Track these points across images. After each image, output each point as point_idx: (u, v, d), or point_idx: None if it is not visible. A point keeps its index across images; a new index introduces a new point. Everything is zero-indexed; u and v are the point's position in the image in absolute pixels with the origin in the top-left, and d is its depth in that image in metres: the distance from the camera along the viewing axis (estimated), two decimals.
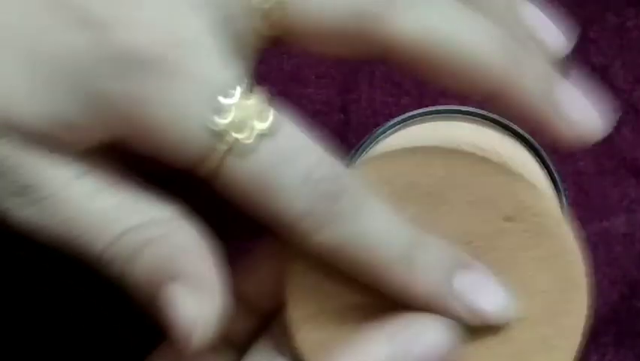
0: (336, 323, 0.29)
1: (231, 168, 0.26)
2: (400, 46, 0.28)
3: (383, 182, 0.28)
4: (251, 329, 0.30)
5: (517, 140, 0.34)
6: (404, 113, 0.35)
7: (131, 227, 0.28)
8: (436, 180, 0.29)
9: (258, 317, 0.30)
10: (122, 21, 0.26)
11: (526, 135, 0.35)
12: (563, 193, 0.34)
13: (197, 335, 0.27)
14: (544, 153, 0.35)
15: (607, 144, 0.41)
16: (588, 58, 0.42)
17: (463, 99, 0.35)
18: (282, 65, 0.42)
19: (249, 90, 0.26)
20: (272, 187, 0.26)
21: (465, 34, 0.28)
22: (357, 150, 0.35)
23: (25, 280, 0.39)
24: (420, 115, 0.35)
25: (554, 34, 0.30)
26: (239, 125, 0.26)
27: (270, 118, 0.26)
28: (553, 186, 0.34)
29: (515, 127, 0.34)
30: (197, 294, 0.27)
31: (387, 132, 0.35)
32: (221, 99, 0.26)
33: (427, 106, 0.36)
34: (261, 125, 0.26)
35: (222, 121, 0.26)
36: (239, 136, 0.26)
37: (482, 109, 0.35)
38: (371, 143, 0.35)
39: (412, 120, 0.35)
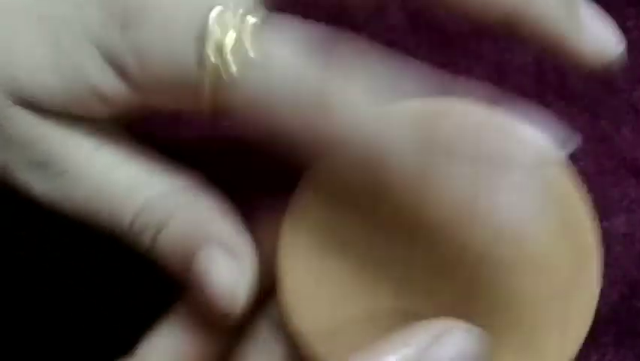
0: (333, 298, 0.28)
1: (226, 96, 0.26)
2: None
3: (393, 130, 0.27)
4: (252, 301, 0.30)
5: None
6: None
7: (154, 196, 0.28)
8: (451, 133, 0.28)
9: (255, 295, 0.30)
10: None
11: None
12: None
13: (240, 299, 0.27)
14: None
15: (607, 144, 0.41)
16: None
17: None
18: None
19: (245, 13, 0.26)
20: (266, 112, 0.26)
21: None
22: None
23: (25, 280, 0.39)
24: None
25: (610, 34, 0.29)
26: (227, 56, 0.26)
27: (259, 42, 0.26)
28: None
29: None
30: (232, 259, 0.27)
31: None
32: (210, 30, 0.26)
33: None
34: (250, 52, 0.26)
35: (209, 51, 0.26)
36: (227, 66, 0.26)
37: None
38: None
39: None
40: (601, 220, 0.40)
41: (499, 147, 0.28)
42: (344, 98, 0.26)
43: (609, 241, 0.40)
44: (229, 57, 0.26)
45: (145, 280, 0.37)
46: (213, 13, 0.26)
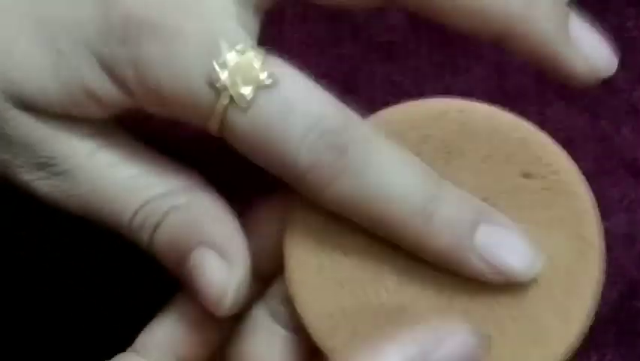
0: (336, 285, 0.28)
1: (234, 121, 0.26)
2: None
3: (395, 135, 0.28)
4: (248, 293, 0.30)
5: None
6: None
7: (155, 195, 0.28)
8: (451, 134, 0.28)
9: (256, 281, 0.30)
10: None
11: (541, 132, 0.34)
12: None
13: (228, 300, 0.27)
14: (561, 149, 0.34)
15: (607, 144, 0.41)
16: None
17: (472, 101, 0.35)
18: None
19: (250, 45, 0.27)
20: (276, 139, 0.26)
21: None
22: None
23: (25, 280, 0.39)
24: None
25: (602, 51, 0.29)
26: (239, 78, 0.26)
27: (271, 69, 0.26)
28: None
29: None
30: (225, 259, 0.27)
31: None
32: (221, 54, 0.26)
33: None
34: (261, 77, 0.26)
35: (222, 75, 0.26)
36: (239, 89, 0.26)
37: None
38: None
39: None
40: (601, 220, 0.40)
41: (501, 146, 0.28)
42: (362, 134, 0.27)
43: (609, 241, 0.40)
44: (241, 79, 0.26)
45: (145, 279, 0.37)
46: (226, 37, 0.26)
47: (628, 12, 0.42)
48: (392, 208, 0.26)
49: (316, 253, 0.28)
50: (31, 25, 0.27)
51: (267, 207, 0.30)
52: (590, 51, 0.28)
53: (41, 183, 0.29)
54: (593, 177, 0.40)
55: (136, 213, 0.29)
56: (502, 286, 0.27)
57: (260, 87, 0.26)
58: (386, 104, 0.42)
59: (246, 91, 0.26)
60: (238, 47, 0.26)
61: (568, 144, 0.41)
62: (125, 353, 0.30)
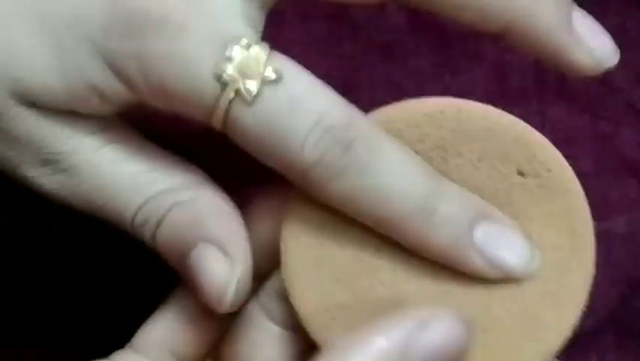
0: (332, 280, 0.29)
1: (239, 116, 0.26)
2: None
3: (393, 133, 0.28)
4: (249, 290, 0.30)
5: None
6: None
7: (158, 191, 0.29)
8: (447, 133, 0.28)
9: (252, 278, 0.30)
10: None
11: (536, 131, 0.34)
12: None
13: (229, 297, 0.27)
14: (554, 148, 0.34)
15: (607, 144, 0.41)
16: None
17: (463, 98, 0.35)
18: None
19: (255, 40, 0.27)
20: (280, 134, 0.26)
21: None
22: None
23: (25, 280, 0.39)
24: None
25: (605, 44, 0.29)
26: (244, 73, 0.26)
27: (276, 65, 0.26)
28: None
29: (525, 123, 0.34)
30: (227, 256, 0.28)
31: None
32: (227, 49, 0.26)
33: None
34: (266, 72, 0.26)
35: (228, 69, 0.26)
36: (244, 83, 0.26)
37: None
38: None
39: None
40: (601, 220, 0.41)
41: (496, 145, 0.28)
42: (369, 134, 0.27)
43: (609, 241, 0.40)
44: (247, 74, 0.26)
45: (143, 279, 0.37)
46: (232, 32, 0.26)
47: (628, 12, 0.42)
48: (394, 205, 0.27)
49: (312, 247, 0.29)
50: (34, 21, 0.27)
51: (261, 205, 0.30)
52: (592, 43, 0.28)
53: (45, 180, 0.29)
54: (593, 177, 0.41)
55: (139, 209, 0.29)
56: (498, 280, 0.28)
57: (265, 82, 0.26)
58: (386, 104, 0.42)
59: (252, 85, 0.26)
60: (243, 42, 0.26)
61: (568, 144, 0.41)
62: (122, 350, 0.30)
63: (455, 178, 0.28)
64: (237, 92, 0.26)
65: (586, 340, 0.39)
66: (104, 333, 0.38)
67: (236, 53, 0.26)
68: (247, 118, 0.26)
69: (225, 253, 0.28)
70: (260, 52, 0.26)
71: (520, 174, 0.28)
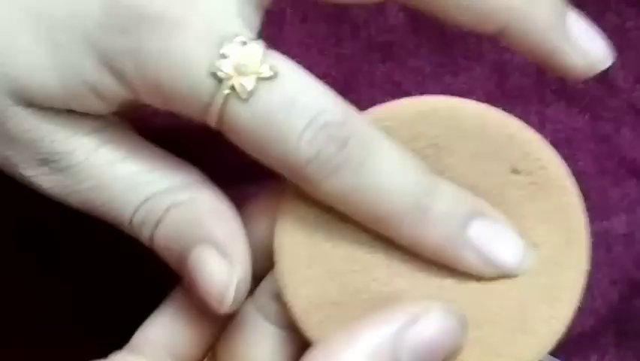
0: (326, 277, 0.29)
1: (234, 112, 0.27)
2: None
3: (386, 131, 0.28)
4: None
5: None
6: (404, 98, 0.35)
7: (156, 192, 0.29)
8: (441, 131, 0.28)
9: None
10: None
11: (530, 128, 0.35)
12: None
13: (229, 298, 0.27)
14: (548, 145, 0.35)
15: (607, 144, 0.41)
16: None
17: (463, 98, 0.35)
18: None
19: (251, 38, 0.27)
20: (276, 132, 0.26)
21: None
22: None
23: (25, 280, 0.39)
24: None
25: (599, 47, 0.29)
26: (240, 70, 0.26)
27: (271, 62, 0.26)
28: None
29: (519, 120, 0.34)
30: (226, 257, 0.28)
31: None
32: (222, 46, 0.26)
33: None
34: (262, 69, 0.26)
35: (223, 66, 0.26)
36: (240, 80, 0.26)
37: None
38: None
39: None
40: (601, 220, 0.41)
41: (490, 143, 0.28)
42: (366, 133, 0.27)
43: (609, 241, 0.40)
44: (243, 71, 0.26)
45: (143, 280, 0.37)
46: (227, 30, 0.26)
47: (628, 12, 0.42)
48: (388, 203, 0.27)
49: (306, 245, 0.29)
50: (30, 20, 0.27)
51: (256, 206, 0.30)
52: (586, 45, 0.29)
53: (44, 179, 0.29)
54: (593, 177, 0.41)
55: (137, 209, 0.29)
56: (492, 277, 0.28)
57: (261, 79, 0.26)
58: None
59: (247, 83, 0.26)
60: (239, 40, 0.26)
61: (568, 143, 0.41)
62: (120, 350, 0.30)
63: (449, 176, 0.28)
64: (233, 89, 0.26)
65: (586, 340, 0.39)
66: (102, 334, 0.38)
67: (232, 50, 0.26)
68: (242, 115, 0.26)
69: (224, 253, 0.28)
70: (256, 49, 0.26)
71: (514, 171, 0.29)
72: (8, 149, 0.28)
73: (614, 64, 0.29)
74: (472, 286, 0.28)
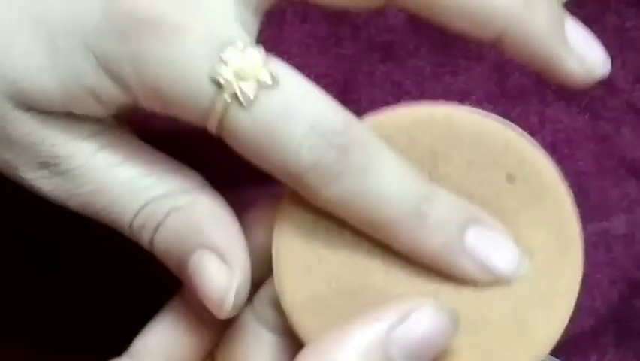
0: (324, 283, 0.29)
1: (234, 119, 0.26)
2: None
3: (383, 139, 0.28)
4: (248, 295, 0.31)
5: None
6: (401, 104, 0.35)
7: (155, 196, 0.29)
8: (437, 138, 0.29)
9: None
10: None
11: (526, 135, 0.35)
12: None
13: (229, 303, 0.27)
14: (544, 152, 0.35)
15: (607, 144, 0.41)
16: None
17: (463, 99, 0.35)
18: None
19: (251, 44, 0.27)
20: (276, 138, 0.26)
21: None
22: None
23: (25, 280, 0.39)
24: None
25: (597, 54, 0.29)
26: (241, 76, 0.26)
27: (272, 68, 0.26)
28: None
29: (515, 127, 0.34)
30: (225, 262, 0.28)
31: None
32: (223, 52, 0.26)
33: None
34: (263, 76, 0.26)
35: (224, 73, 0.26)
36: (241, 86, 0.26)
37: (482, 109, 0.35)
38: None
39: None
40: (601, 220, 0.41)
41: (486, 150, 0.28)
42: (366, 140, 0.27)
43: (609, 241, 0.40)
44: (244, 77, 0.26)
45: (144, 281, 0.37)
46: (227, 35, 0.26)
47: (628, 12, 0.42)
48: (387, 210, 0.27)
49: (304, 250, 0.29)
50: (29, 23, 0.27)
51: (256, 212, 0.30)
52: (584, 53, 0.29)
53: (44, 182, 0.29)
54: (593, 177, 0.41)
55: (137, 213, 0.29)
56: (487, 283, 0.28)
57: (262, 85, 0.26)
58: (386, 104, 0.42)
59: (248, 89, 0.26)
60: (239, 45, 0.26)
61: (568, 143, 0.41)
62: (119, 358, 0.30)
63: (446, 184, 0.28)
64: (233, 95, 0.26)
65: (586, 340, 0.39)
66: (104, 334, 0.38)
67: (233, 56, 0.26)
68: (243, 121, 0.26)
69: (224, 259, 0.28)
70: (256, 55, 0.26)
71: (509, 178, 0.29)
72: (8, 152, 0.28)
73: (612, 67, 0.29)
74: (469, 292, 0.28)
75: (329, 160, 0.26)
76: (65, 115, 0.28)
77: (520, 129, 0.32)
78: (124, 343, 0.31)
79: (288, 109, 0.26)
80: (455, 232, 0.27)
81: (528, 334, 0.28)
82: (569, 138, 0.40)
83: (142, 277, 0.37)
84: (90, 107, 0.28)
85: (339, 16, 0.41)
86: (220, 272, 0.28)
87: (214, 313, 0.28)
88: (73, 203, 0.29)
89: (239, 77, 0.26)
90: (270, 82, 0.26)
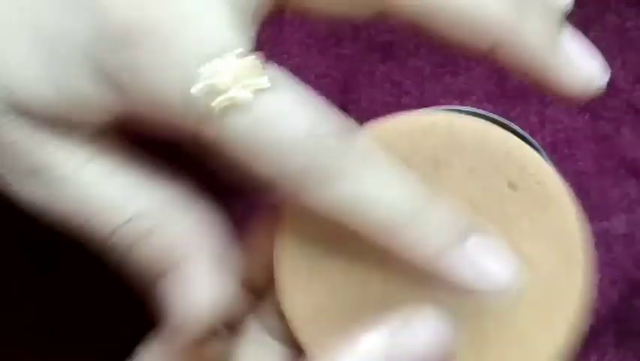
0: (327, 292, 0.29)
1: (231, 124, 0.26)
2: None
3: (385, 146, 0.28)
4: (242, 307, 0.30)
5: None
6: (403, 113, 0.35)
7: (140, 209, 0.28)
8: (439, 146, 0.29)
9: (250, 295, 0.30)
10: (118, 1, 0.26)
11: (526, 135, 0.35)
12: None
13: (195, 329, 0.27)
14: (543, 153, 0.35)
15: (607, 144, 0.41)
16: None
17: (463, 99, 0.35)
18: (281, 65, 0.42)
19: (248, 50, 0.27)
20: (272, 143, 0.26)
21: None
22: None
23: (25, 280, 0.39)
24: None
25: (594, 65, 0.29)
26: (237, 82, 0.26)
27: (269, 74, 0.26)
28: None
29: (515, 127, 0.35)
30: (212, 274, 0.27)
31: None
32: (219, 58, 0.26)
33: (427, 106, 0.36)
34: (260, 81, 0.26)
35: (219, 78, 0.26)
36: (237, 92, 0.26)
37: (482, 109, 0.35)
38: None
39: None
40: (601, 220, 0.41)
41: (488, 158, 0.28)
42: (362, 149, 0.27)
43: (609, 241, 0.40)
44: (241, 83, 0.26)
45: (137, 305, 0.37)
46: (223, 42, 0.26)
47: (628, 12, 0.42)
48: (383, 216, 0.27)
49: (305, 259, 0.29)
50: (26, 31, 0.27)
51: (260, 221, 0.30)
52: (581, 64, 0.28)
53: (27, 193, 0.28)
54: (593, 177, 0.41)
55: (118, 227, 0.29)
56: (488, 295, 0.28)
57: (258, 91, 0.26)
58: (386, 104, 0.42)
59: (245, 94, 0.26)
60: (236, 52, 0.26)
61: (568, 143, 0.41)
62: None
63: (447, 191, 0.28)
64: (230, 100, 0.26)
65: (586, 340, 0.39)
66: (102, 341, 0.38)
67: (228, 62, 0.26)
68: (239, 127, 0.26)
69: (211, 270, 0.28)
70: (253, 61, 0.26)
71: (511, 186, 0.29)
72: None
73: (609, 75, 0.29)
74: (469, 305, 0.28)
75: (325, 164, 0.26)
76: (58, 123, 0.28)
77: (521, 130, 0.33)
78: (124, 343, 0.31)
79: (284, 113, 0.26)
80: (454, 239, 0.27)
81: (529, 347, 0.28)
82: (569, 138, 0.40)
83: (136, 299, 0.37)
84: (84, 115, 0.28)
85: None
86: (191, 293, 0.27)
87: (180, 336, 0.28)
88: (55, 214, 0.29)
89: (235, 82, 0.26)
90: (266, 87, 0.26)
